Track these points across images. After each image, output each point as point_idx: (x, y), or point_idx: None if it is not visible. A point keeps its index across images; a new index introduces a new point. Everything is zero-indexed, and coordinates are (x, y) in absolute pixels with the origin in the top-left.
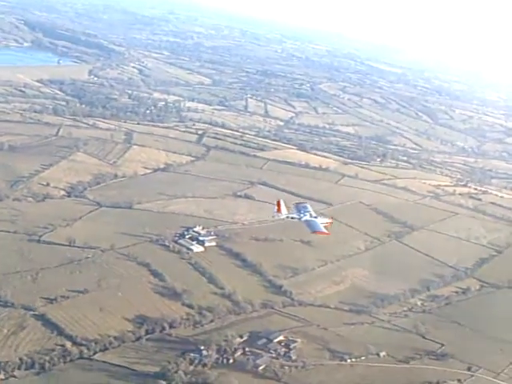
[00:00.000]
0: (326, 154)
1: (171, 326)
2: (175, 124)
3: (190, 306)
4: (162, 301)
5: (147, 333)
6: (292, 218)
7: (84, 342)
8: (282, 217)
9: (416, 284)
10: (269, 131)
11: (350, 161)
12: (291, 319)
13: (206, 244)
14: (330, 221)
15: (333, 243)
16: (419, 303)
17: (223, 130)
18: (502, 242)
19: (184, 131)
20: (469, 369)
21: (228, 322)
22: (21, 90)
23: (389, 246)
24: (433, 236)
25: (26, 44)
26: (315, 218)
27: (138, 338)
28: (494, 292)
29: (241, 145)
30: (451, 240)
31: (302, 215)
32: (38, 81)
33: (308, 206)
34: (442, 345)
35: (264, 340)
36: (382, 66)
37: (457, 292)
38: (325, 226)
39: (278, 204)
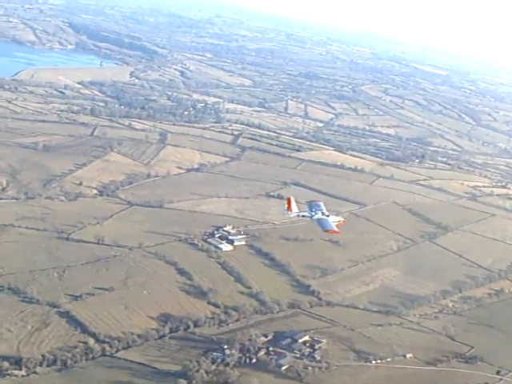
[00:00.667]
0: (362, 154)
1: (195, 325)
2: (211, 125)
3: (215, 305)
4: (188, 299)
5: (171, 331)
6: (303, 216)
7: (107, 340)
8: (292, 215)
9: (448, 285)
10: (307, 132)
11: (386, 162)
12: (318, 319)
13: (236, 243)
14: (342, 219)
15: (364, 243)
16: (450, 305)
17: (259, 130)
18: None
19: (220, 132)
20: (498, 372)
21: (253, 321)
22: (60, 91)
23: (422, 247)
24: (467, 237)
25: (70, 46)
26: (327, 216)
27: (162, 337)
28: None
29: (276, 145)
30: (486, 241)
31: (313, 213)
32: (78, 82)
33: (321, 204)
34: (472, 347)
35: (289, 340)
36: (427, 68)
37: (489, 294)
38: (337, 225)
39: (289, 202)
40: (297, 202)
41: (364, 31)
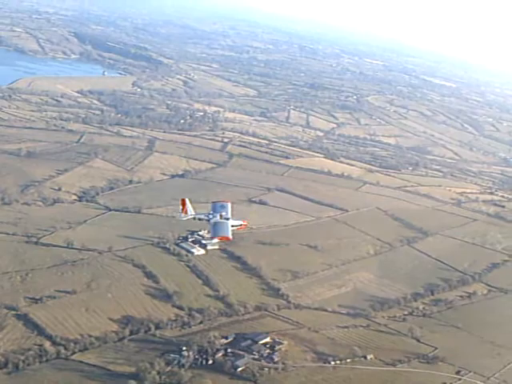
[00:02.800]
0: (352, 161)
1: (157, 327)
2: (203, 133)
3: (180, 308)
4: (152, 302)
5: (131, 333)
6: (199, 219)
7: (63, 342)
8: (187, 217)
9: (420, 288)
10: (305, 141)
11: (375, 168)
12: (283, 322)
13: (209, 247)
14: (244, 223)
15: (341, 248)
16: (421, 307)
17: (252, 138)
18: None
19: (210, 139)
20: (458, 372)
21: (217, 323)
22: (56, 100)
23: (399, 251)
24: (447, 241)
25: (73, 56)
26: (227, 219)
27: (121, 339)
28: (500, 296)
29: (266, 153)
30: (465, 245)
31: (211, 216)
32: (77, 91)
33: (228, 205)
34: (435, 348)
35: (249, 342)
36: (436, 80)
37: (462, 296)
38: (239, 228)
39: (184, 204)
40: (279, 208)
41: (379, 43)
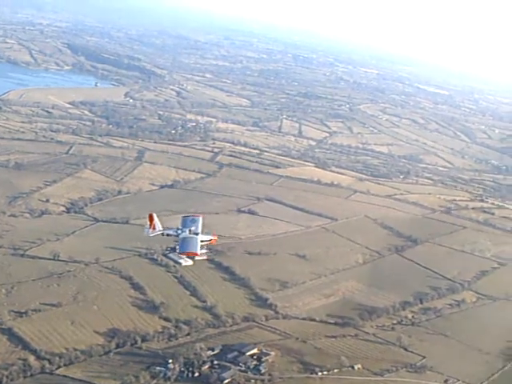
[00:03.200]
0: (343, 170)
1: (143, 340)
2: (194, 143)
3: (166, 319)
4: (139, 314)
5: (117, 346)
6: (168, 234)
7: (48, 357)
8: (155, 233)
9: (409, 297)
10: (297, 151)
11: (365, 177)
12: (271, 332)
13: (196, 258)
14: (214, 238)
15: (330, 257)
16: (410, 316)
17: (242, 148)
18: (507, 255)
19: (200, 150)
20: (446, 381)
21: (204, 335)
22: (47, 111)
23: (388, 260)
24: (436, 249)
25: (66, 67)
26: (196, 234)
27: (107, 352)
28: (489, 304)
29: (256, 162)
30: (454, 253)
31: (179, 231)
32: (69, 102)
33: (199, 219)
34: (424, 357)
35: (235, 353)
36: (430, 88)
37: (451, 304)
38: (209, 243)
39: (151, 219)
40: (268, 217)
41: (374, 53)
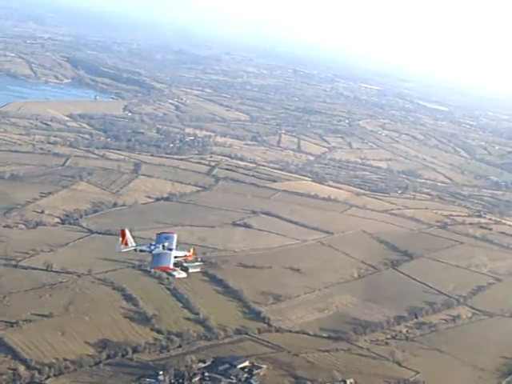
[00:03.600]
0: (340, 185)
1: (135, 351)
2: (191, 156)
3: (158, 331)
4: (130, 325)
5: (108, 357)
6: (141, 250)
7: (38, 367)
8: (127, 249)
9: (404, 311)
10: (296, 165)
11: (363, 192)
12: (264, 345)
13: (190, 270)
14: (189, 253)
15: (325, 271)
16: (404, 331)
17: (239, 162)
18: (503, 271)
19: (197, 163)
20: None
21: (196, 347)
22: (46, 124)
23: (384, 274)
24: (432, 264)
25: (66, 80)
26: (170, 249)
27: (98, 363)
28: (484, 320)
29: (253, 176)
30: (450, 268)
31: (152, 247)
32: (68, 115)
33: (173, 236)
34: (417, 372)
35: (227, 366)
36: (430, 105)
37: (446, 320)
38: (184, 259)
39: (123, 235)
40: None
41: (376, 68)
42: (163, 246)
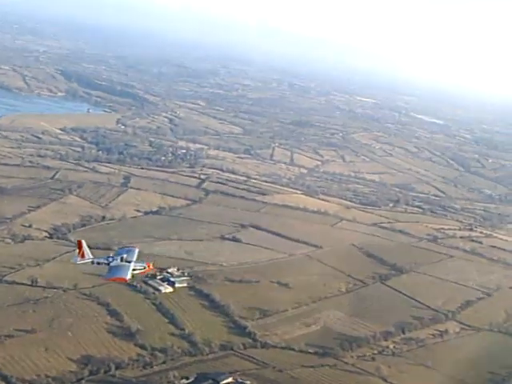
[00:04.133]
0: (331, 198)
1: (118, 367)
2: (182, 169)
3: (142, 347)
4: (114, 341)
5: (91, 373)
6: (98, 263)
7: (18, 383)
8: (84, 261)
9: (391, 327)
10: (288, 178)
11: (353, 205)
12: (248, 361)
13: (177, 285)
14: (148, 267)
15: (312, 285)
16: (391, 346)
17: (230, 175)
18: (493, 285)
19: (188, 176)
20: None
21: (180, 363)
22: (37, 137)
23: (372, 289)
24: (421, 278)
25: (59, 93)
26: (129, 262)
27: (80, 379)
28: (472, 335)
29: (243, 189)
30: (439, 283)
31: (110, 259)
32: (61, 129)
33: (135, 250)
34: None
35: (210, 382)
36: (426, 118)
37: (434, 335)
38: (143, 272)
39: (80, 246)
40: (252, 245)
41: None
42: (122, 258)
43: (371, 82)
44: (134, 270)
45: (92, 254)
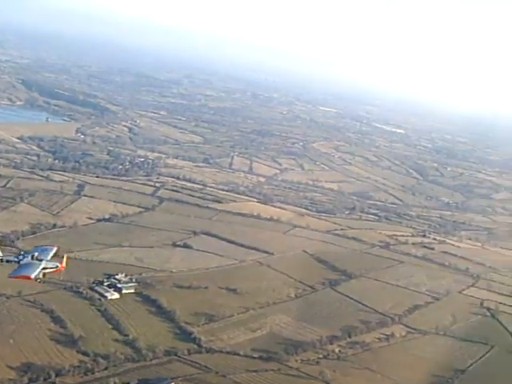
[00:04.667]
0: (286, 206)
1: (58, 374)
2: (137, 178)
3: (85, 354)
4: (56, 348)
5: (30, 381)
6: (8, 261)
7: None
8: None
9: (338, 331)
10: (246, 187)
11: (307, 212)
12: (192, 366)
13: (124, 291)
14: (61, 265)
15: (261, 291)
16: (336, 350)
17: (186, 183)
18: (442, 290)
19: (143, 184)
20: None
21: (123, 369)
22: None
23: (321, 294)
24: (370, 284)
25: (18, 102)
26: (40, 260)
27: None
28: (418, 338)
29: (198, 197)
30: (389, 287)
31: (21, 257)
32: (17, 137)
33: (52, 248)
34: None
35: None
36: (387, 127)
37: (379, 338)
38: (55, 271)
39: None
40: (203, 251)
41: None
42: (32, 256)
43: (332, 91)
44: (44, 268)
45: (3, 251)
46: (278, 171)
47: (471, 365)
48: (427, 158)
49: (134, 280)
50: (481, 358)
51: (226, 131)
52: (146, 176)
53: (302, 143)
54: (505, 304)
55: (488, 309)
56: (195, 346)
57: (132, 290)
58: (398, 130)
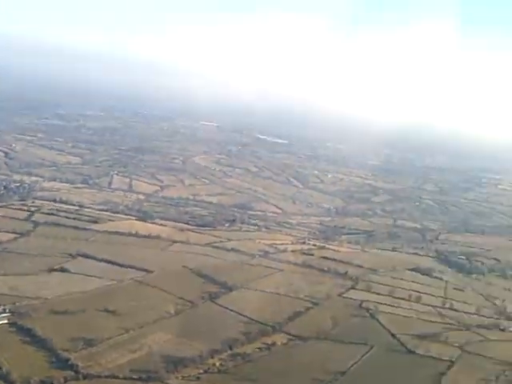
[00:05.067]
0: (165, 222)
1: None
2: (12, 203)
3: None
4: None
5: None
6: None
7: None
8: None
9: (218, 344)
10: (125, 205)
11: (187, 227)
12: None
13: None
14: None
15: (140, 310)
16: (217, 363)
17: (63, 206)
18: (322, 295)
19: (17, 209)
20: None
21: None
22: None
23: (201, 308)
24: (250, 294)
25: None
26: None
27: None
28: (299, 345)
29: (74, 219)
30: (268, 296)
31: None
32: None
33: None
34: None
35: None
36: (269, 138)
37: (261, 348)
38: None
39: None
40: (80, 274)
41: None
42: None
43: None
44: None
45: None
46: (158, 188)
47: (352, 366)
48: (308, 165)
49: (7, 310)
50: (361, 358)
51: (105, 150)
52: (20, 201)
53: (181, 158)
54: (383, 304)
55: (367, 309)
56: (72, 373)
57: (5, 321)
58: (280, 140)
